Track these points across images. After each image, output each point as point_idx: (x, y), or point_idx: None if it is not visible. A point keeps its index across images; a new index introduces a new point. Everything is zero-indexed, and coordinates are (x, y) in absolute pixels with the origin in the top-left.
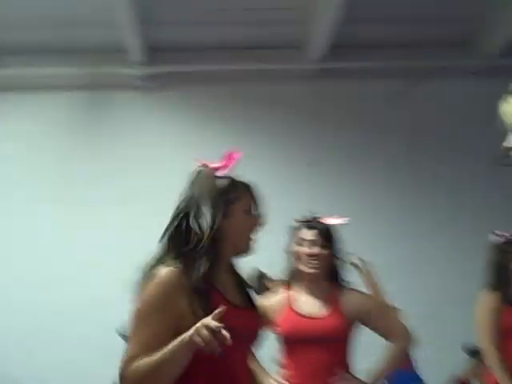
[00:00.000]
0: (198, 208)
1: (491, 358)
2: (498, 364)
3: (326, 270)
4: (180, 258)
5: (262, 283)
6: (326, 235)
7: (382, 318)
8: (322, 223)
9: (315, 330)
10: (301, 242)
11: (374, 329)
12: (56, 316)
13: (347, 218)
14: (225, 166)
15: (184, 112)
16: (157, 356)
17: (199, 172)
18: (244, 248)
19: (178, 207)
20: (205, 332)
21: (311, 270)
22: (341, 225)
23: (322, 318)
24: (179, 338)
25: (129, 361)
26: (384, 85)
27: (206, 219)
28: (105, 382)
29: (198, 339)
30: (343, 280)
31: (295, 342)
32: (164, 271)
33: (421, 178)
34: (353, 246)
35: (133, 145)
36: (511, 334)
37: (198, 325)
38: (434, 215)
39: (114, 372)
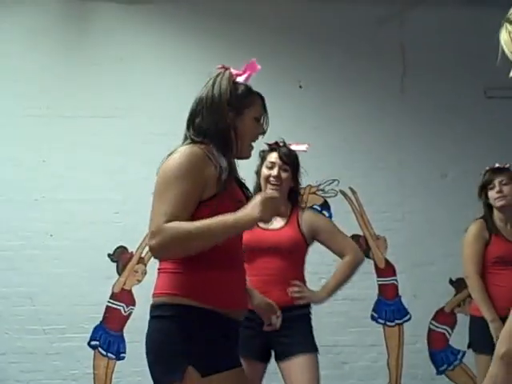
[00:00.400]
0: (214, 104)
1: (474, 287)
2: (480, 293)
3: (286, 192)
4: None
5: None
6: (288, 159)
7: (335, 236)
8: (285, 148)
9: (272, 240)
10: (267, 164)
11: (328, 246)
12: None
13: (307, 145)
14: (245, 73)
15: (172, 27)
16: (197, 225)
17: (220, 74)
18: (245, 152)
19: (196, 102)
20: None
21: (270, 189)
22: (302, 151)
23: (278, 229)
24: (221, 219)
25: (161, 217)
26: (377, 8)
27: (221, 115)
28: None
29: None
30: (300, 202)
31: (254, 250)
32: (188, 147)
33: (414, 104)
34: (342, 173)
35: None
36: (496, 263)
37: (263, 198)
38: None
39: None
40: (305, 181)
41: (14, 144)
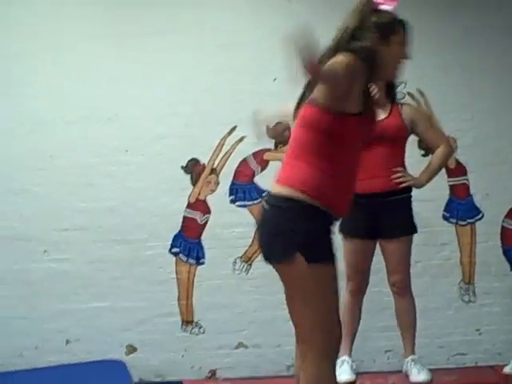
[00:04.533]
0: (364, 28)
1: None
2: None
3: (382, 88)
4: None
5: None
6: None
7: (431, 129)
8: None
9: (380, 128)
10: None
11: (424, 138)
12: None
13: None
14: (392, 2)
15: None
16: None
17: (367, 2)
18: (392, 74)
19: (343, 26)
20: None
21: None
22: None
23: (382, 120)
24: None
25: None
26: None
27: (370, 39)
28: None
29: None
30: (397, 96)
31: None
32: (348, 55)
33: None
34: (410, 75)
35: None
36: None
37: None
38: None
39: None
40: None
41: (88, 62)
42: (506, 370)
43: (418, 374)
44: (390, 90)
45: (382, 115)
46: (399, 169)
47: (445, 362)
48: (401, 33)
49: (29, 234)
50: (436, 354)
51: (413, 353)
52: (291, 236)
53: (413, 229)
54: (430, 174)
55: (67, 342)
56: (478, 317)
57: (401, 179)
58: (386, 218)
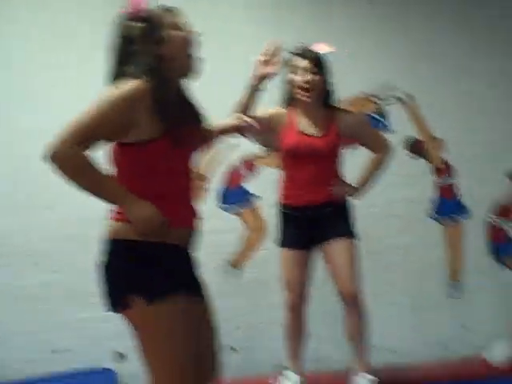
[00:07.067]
0: (131, 52)
1: None
2: None
3: (319, 96)
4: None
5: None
6: (317, 63)
7: (369, 132)
8: (313, 51)
9: (313, 146)
10: (295, 70)
11: (364, 144)
12: None
13: (334, 47)
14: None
15: None
16: (97, 172)
17: (121, 20)
18: (188, 67)
19: (114, 55)
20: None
21: (305, 98)
22: (330, 53)
23: (320, 137)
24: (122, 190)
25: (66, 138)
26: None
27: (145, 57)
28: None
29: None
30: (335, 103)
31: (296, 155)
32: (130, 83)
33: None
34: (399, 79)
35: None
36: None
37: (151, 215)
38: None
39: None
40: (360, 88)
41: None
42: (487, 357)
43: None
44: (328, 95)
45: (316, 132)
46: (335, 180)
47: (433, 357)
48: (168, 22)
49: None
50: (424, 349)
51: (368, 371)
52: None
53: (352, 234)
54: (368, 182)
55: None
56: (465, 313)
57: (336, 190)
58: (323, 227)
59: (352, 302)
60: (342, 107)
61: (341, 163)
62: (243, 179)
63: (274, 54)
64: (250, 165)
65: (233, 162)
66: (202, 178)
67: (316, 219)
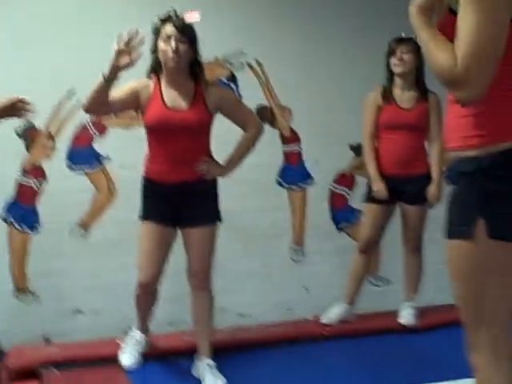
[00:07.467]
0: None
1: (365, 152)
2: (369, 157)
3: (186, 66)
4: None
5: None
6: (185, 31)
7: (239, 110)
8: (181, 19)
9: (181, 121)
10: (162, 37)
11: (232, 119)
12: None
13: (200, 13)
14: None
15: None
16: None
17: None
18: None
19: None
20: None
21: (171, 65)
22: (197, 21)
23: (186, 110)
24: None
25: None
26: None
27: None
28: None
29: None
30: (203, 75)
31: (162, 130)
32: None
33: None
34: (249, 45)
35: None
36: (387, 130)
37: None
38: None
39: None
40: (211, 53)
41: None
42: (323, 319)
43: (214, 381)
44: (195, 65)
45: (184, 102)
46: (204, 158)
47: (277, 317)
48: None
49: None
50: (269, 311)
51: (209, 356)
52: None
53: (215, 218)
54: (237, 161)
55: None
56: (306, 275)
57: (203, 169)
58: (188, 208)
59: (204, 287)
60: (210, 81)
61: (210, 140)
62: (92, 139)
63: (131, 44)
64: (99, 125)
65: (82, 122)
66: (51, 137)
67: (181, 198)
